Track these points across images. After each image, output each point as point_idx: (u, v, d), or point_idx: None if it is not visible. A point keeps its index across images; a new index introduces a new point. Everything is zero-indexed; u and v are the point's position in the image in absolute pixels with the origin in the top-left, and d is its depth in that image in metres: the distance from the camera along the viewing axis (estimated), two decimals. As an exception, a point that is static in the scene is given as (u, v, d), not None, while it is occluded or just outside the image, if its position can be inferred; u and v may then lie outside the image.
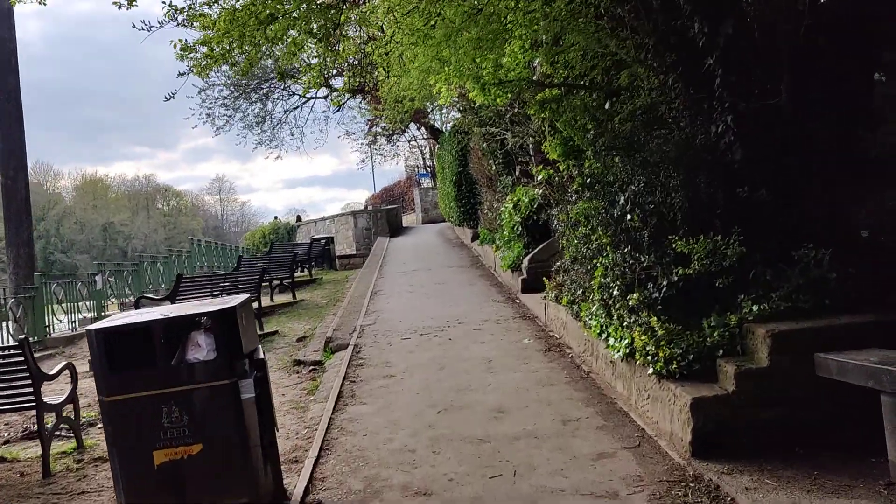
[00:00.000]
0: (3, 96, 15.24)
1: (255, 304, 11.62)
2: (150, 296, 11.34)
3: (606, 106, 6.53)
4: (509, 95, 8.09)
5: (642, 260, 5.27)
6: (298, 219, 37.10)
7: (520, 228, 11.48)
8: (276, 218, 39.02)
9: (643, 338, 4.97)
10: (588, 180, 6.17)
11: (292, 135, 26.78)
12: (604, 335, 5.87)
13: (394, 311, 10.51)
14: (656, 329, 4.87)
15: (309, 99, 24.83)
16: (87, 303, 13.50)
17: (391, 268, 16.46)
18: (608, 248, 5.74)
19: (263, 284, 16.13)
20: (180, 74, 7.56)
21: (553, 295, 8.20)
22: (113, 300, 14.66)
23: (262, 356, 4.23)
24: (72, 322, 12.63)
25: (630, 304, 5.23)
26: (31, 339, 11.42)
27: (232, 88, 23.91)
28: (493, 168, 14.22)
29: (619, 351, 5.46)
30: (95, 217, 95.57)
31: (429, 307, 10.62)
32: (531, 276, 10.61)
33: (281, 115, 25.73)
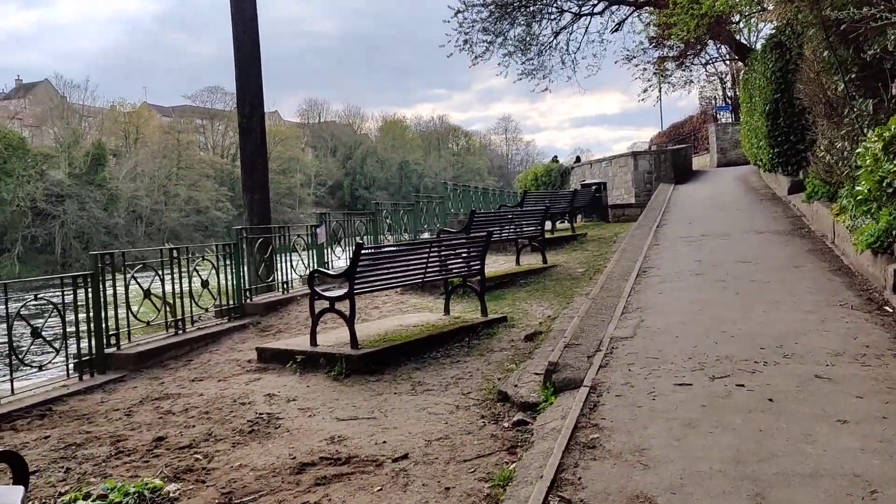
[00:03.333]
0: (240, 28, 13.95)
1: (478, 278, 8.65)
2: (325, 270, 8.96)
3: None
4: None
5: None
6: (577, 159, 33.89)
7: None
8: (554, 159, 36.30)
9: None
10: None
11: (563, 63, 22.95)
12: None
13: (667, 314, 6.72)
14: None
15: (581, 16, 20.84)
16: (305, 261, 11.72)
17: (672, 229, 12.38)
18: None
19: (499, 242, 13.26)
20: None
21: None
22: (340, 255, 12.81)
23: None
24: (283, 284, 10.85)
25: None
26: (223, 306, 9.83)
27: (492, 9, 20.85)
28: (840, 87, 9.32)
29: None
30: (394, 156, 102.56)
31: (726, 310, 6.65)
32: (917, 268, 6.11)
33: (548, 39, 22.12)
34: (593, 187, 21.00)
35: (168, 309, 8.10)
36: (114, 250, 7.25)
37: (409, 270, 7.64)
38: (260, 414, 5.57)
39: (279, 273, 10.79)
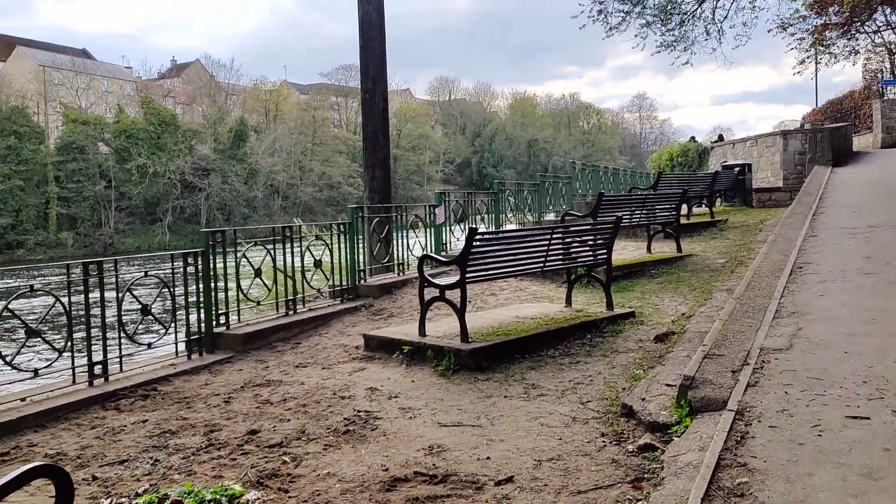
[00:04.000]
0: (365, 1, 13.65)
1: (604, 268, 7.87)
2: (436, 256, 8.41)
3: None
4: None
5: None
6: (720, 138, 31.61)
7: None
8: (692, 139, 34.20)
9: None
10: None
11: (707, 33, 21.11)
12: None
13: (831, 323, 5.68)
14: None
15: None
16: (421, 241, 11.30)
17: (831, 218, 10.92)
18: None
19: (629, 227, 12.37)
20: None
21: None
22: (459, 237, 12.33)
23: None
24: (399, 265, 10.51)
25: None
26: (336, 286, 9.60)
27: (632, -26, 19.46)
28: None
29: None
30: (522, 134, 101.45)
31: (909, 321, 5.53)
32: None
33: (692, 7, 20.39)
34: (737, 169, 19.25)
35: (285, 286, 7.91)
36: (224, 228, 7.10)
37: (528, 258, 6.98)
38: (358, 411, 5.16)
39: (395, 253, 10.46)
